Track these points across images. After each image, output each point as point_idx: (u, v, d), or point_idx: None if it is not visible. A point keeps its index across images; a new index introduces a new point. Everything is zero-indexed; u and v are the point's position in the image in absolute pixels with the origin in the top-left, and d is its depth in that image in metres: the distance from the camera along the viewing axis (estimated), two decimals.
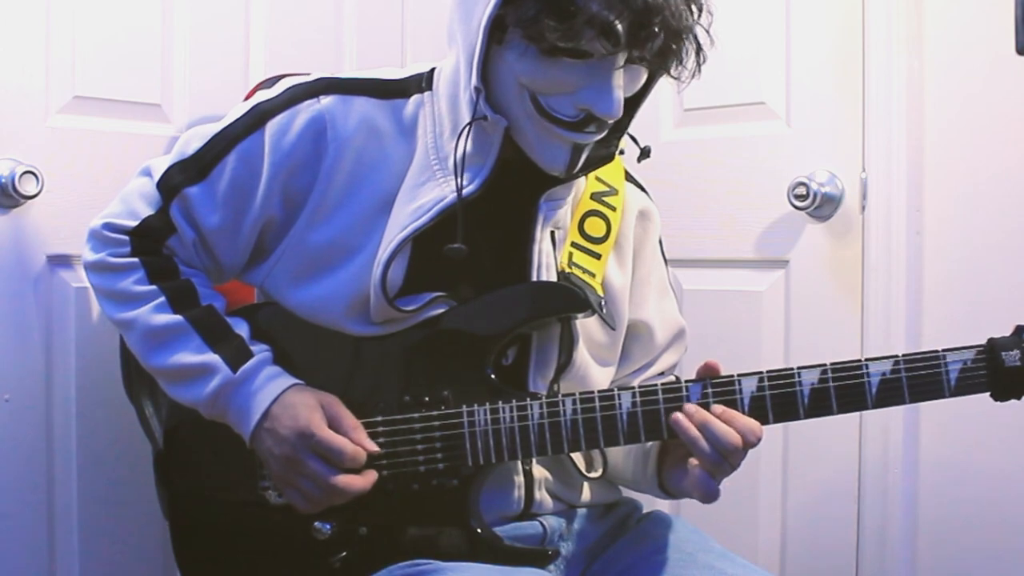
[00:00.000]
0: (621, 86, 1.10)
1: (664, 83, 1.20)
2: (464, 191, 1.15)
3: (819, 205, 1.68)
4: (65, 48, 1.58)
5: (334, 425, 1.15)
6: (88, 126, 1.61)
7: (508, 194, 1.20)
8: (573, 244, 1.24)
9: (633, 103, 1.18)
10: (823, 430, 1.68)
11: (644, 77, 1.15)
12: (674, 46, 1.10)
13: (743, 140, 1.80)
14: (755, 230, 1.79)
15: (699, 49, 1.15)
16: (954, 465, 1.60)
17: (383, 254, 1.16)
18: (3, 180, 1.48)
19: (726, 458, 1.09)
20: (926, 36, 1.61)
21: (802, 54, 1.74)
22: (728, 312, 1.81)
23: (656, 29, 1.07)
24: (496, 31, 1.09)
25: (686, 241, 1.82)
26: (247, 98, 1.31)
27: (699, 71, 1.16)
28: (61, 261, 1.58)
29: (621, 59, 1.09)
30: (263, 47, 1.84)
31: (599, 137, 1.15)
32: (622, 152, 1.25)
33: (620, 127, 1.19)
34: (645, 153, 1.23)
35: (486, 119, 1.13)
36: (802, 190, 1.68)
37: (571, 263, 1.23)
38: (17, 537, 1.54)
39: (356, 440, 1.14)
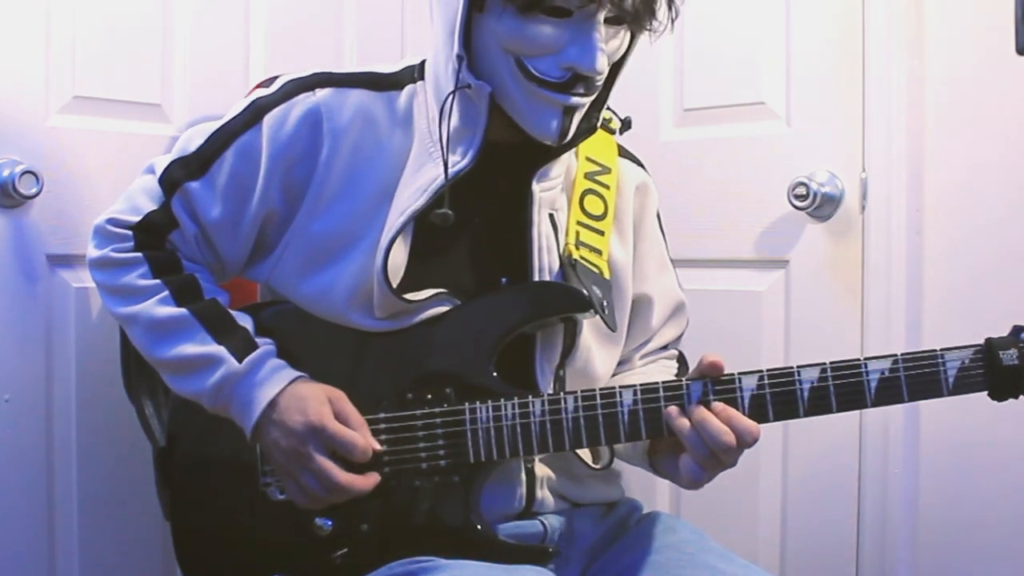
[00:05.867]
0: (604, 41, 1.11)
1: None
2: (457, 166, 1.16)
3: (819, 205, 1.68)
4: (65, 48, 1.58)
5: (340, 421, 1.15)
6: (88, 126, 1.61)
7: (500, 173, 1.21)
8: (578, 223, 1.25)
9: (614, 70, 1.19)
10: (823, 429, 1.68)
11: (623, 40, 1.16)
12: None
13: (743, 140, 1.80)
14: (755, 230, 1.79)
15: (671, 1, 1.16)
16: (954, 465, 1.60)
17: (384, 239, 1.17)
18: (3, 180, 1.49)
19: (718, 456, 1.09)
20: (926, 36, 1.61)
21: (802, 54, 1.74)
22: (728, 312, 1.81)
23: None
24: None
25: (686, 241, 1.82)
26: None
27: (672, 25, 1.17)
28: (61, 261, 1.58)
29: (600, 14, 1.10)
30: (263, 47, 1.84)
31: (589, 100, 1.16)
32: (613, 131, 1.28)
33: (600, 98, 1.21)
34: (626, 125, 1.25)
35: (470, 87, 1.14)
36: (802, 190, 1.68)
37: (579, 242, 1.23)
38: (17, 537, 1.54)
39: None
